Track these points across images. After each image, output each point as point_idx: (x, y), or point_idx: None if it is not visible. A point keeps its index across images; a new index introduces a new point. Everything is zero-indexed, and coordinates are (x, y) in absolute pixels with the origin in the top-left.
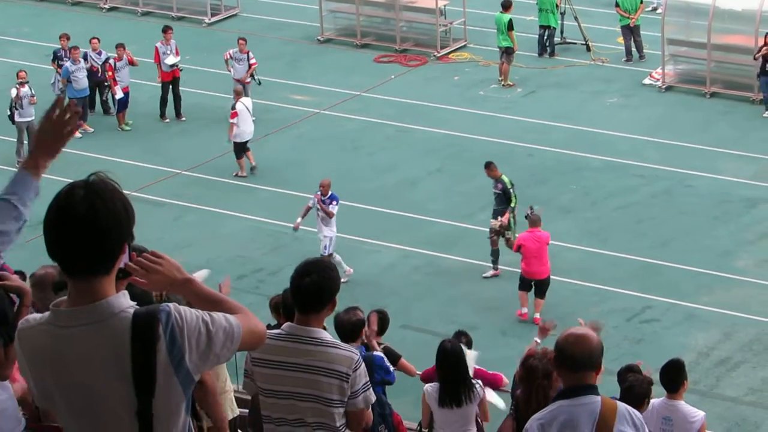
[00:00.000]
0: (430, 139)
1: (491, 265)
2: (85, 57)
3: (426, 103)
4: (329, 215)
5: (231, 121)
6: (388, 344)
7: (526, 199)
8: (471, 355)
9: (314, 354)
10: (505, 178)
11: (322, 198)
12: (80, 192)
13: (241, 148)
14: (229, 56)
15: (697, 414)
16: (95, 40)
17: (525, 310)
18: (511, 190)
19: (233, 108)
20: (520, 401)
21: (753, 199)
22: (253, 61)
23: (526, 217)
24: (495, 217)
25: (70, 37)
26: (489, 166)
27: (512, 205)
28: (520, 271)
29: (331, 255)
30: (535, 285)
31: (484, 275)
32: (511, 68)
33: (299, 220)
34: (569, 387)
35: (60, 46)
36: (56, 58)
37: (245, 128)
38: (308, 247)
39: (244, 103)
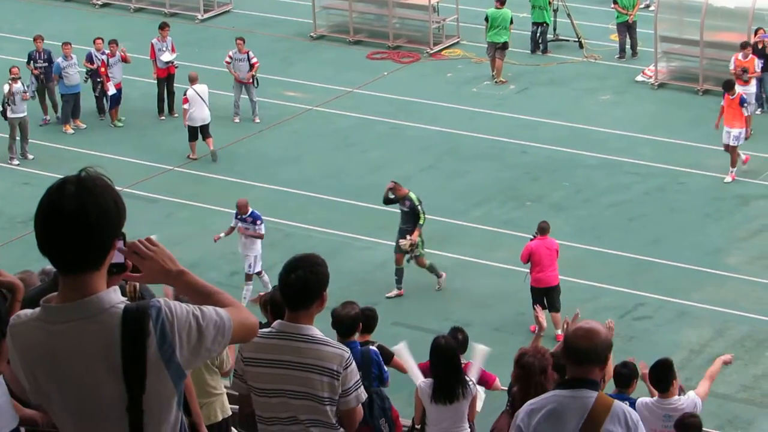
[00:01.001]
0: (423, 135)
1: (396, 285)
2: (90, 59)
3: (419, 100)
4: (259, 237)
5: (183, 106)
6: (381, 343)
7: (521, 196)
8: (481, 352)
9: (304, 351)
10: (413, 195)
11: (242, 216)
12: (71, 188)
13: (192, 132)
14: (229, 59)
15: (691, 400)
16: (99, 40)
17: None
18: (419, 207)
19: (184, 94)
20: (516, 398)
21: (745, 197)
22: (254, 60)
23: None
24: (403, 235)
25: (44, 39)
26: (395, 186)
27: (421, 222)
28: (510, 270)
29: (259, 273)
30: (546, 296)
31: (387, 295)
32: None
33: (222, 234)
34: (571, 378)
35: (35, 48)
36: (30, 59)
37: (197, 114)
38: (301, 244)
39: (196, 90)
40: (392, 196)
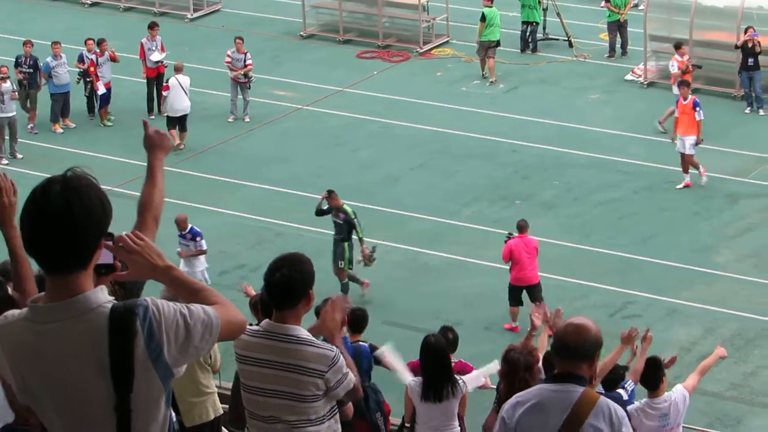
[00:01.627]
0: (413, 135)
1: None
2: (81, 59)
3: (409, 99)
4: (203, 253)
5: (163, 93)
6: (372, 342)
7: (511, 195)
8: (389, 354)
9: (290, 352)
10: (347, 208)
11: (182, 233)
12: (56, 187)
13: (171, 122)
14: (229, 58)
15: (679, 393)
16: (90, 41)
17: (516, 324)
18: (355, 220)
19: (166, 81)
20: (502, 394)
21: (734, 195)
22: (249, 61)
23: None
24: (335, 244)
25: (33, 44)
26: (331, 194)
27: (360, 236)
28: (505, 273)
29: None
30: (528, 293)
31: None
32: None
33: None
34: (558, 373)
35: (23, 52)
36: (18, 64)
37: (177, 104)
38: (291, 243)
39: (178, 79)
40: (325, 207)
